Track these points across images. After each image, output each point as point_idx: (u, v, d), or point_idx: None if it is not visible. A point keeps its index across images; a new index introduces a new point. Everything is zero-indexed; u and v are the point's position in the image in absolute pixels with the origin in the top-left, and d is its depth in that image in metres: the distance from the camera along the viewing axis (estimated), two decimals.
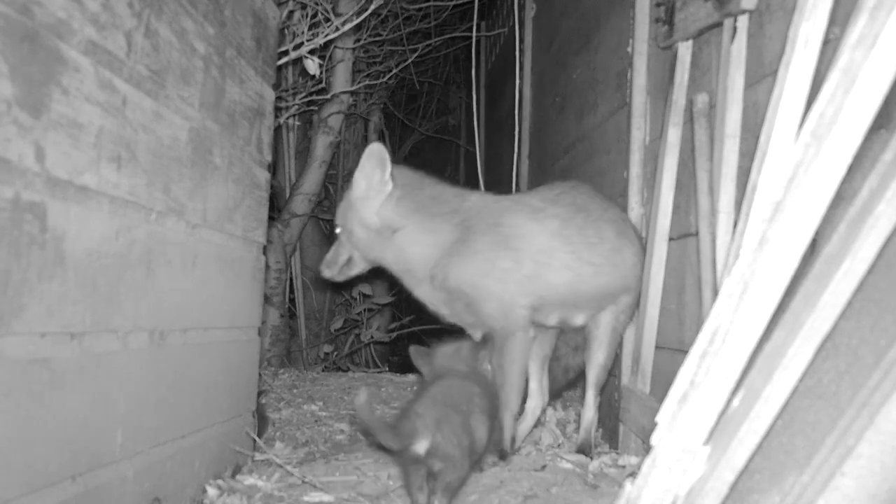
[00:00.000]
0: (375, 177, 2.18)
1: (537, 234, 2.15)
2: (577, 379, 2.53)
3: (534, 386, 2.52)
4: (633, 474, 1.07)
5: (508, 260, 2.11)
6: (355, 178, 2.22)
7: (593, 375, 2.30)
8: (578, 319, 2.30)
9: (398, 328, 5.03)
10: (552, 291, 2.15)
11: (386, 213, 2.18)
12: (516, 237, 2.14)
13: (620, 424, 2.32)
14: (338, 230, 2.31)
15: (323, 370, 4.55)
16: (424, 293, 2.24)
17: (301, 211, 4.33)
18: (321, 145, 4.37)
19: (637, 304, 2.30)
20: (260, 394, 2.46)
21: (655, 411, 1.03)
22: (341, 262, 2.31)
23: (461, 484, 1.72)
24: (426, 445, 1.60)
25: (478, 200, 2.26)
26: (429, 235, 2.16)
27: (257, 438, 2.02)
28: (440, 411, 1.68)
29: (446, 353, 2.02)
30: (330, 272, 2.33)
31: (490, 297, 2.11)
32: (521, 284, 2.12)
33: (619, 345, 2.40)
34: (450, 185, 2.36)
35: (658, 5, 2.25)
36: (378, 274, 2.43)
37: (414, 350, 2.04)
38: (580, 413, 2.75)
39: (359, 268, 2.34)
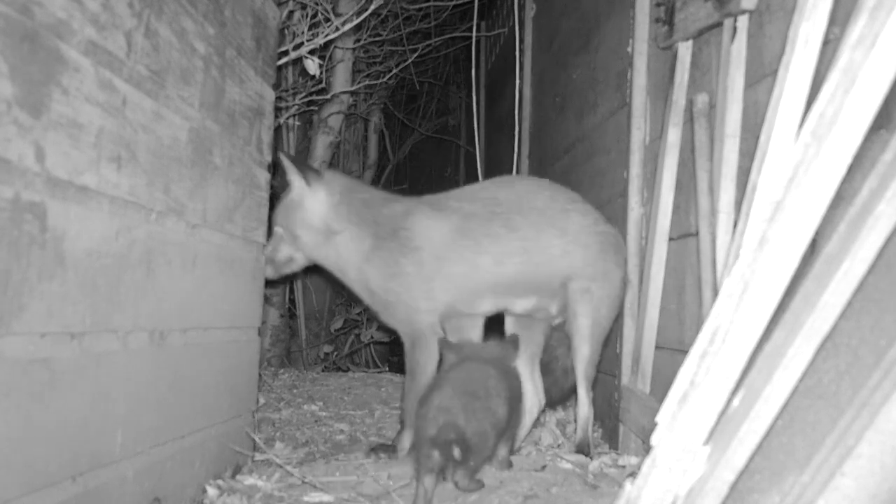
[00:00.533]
0: (297, 182, 2.28)
1: (435, 231, 2.25)
2: None
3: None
4: (633, 474, 1.07)
5: (411, 264, 2.22)
6: (290, 181, 2.31)
7: (580, 370, 2.32)
8: (517, 307, 2.37)
9: None
10: (454, 283, 2.24)
11: (328, 218, 2.28)
12: (415, 237, 2.24)
13: (620, 424, 2.32)
14: (278, 229, 2.34)
15: (323, 370, 4.55)
16: (359, 292, 2.35)
17: None
18: (321, 145, 4.37)
19: (620, 297, 2.34)
20: None
21: (655, 411, 1.03)
22: (280, 261, 2.35)
23: (483, 464, 1.80)
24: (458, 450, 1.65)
25: (394, 206, 2.36)
26: (354, 242, 2.27)
27: (257, 439, 2.02)
28: (462, 401, 1.71)
29: (474, 347, 2.05)
30: (268, 271, 2.33)
31: (398, 303, 2.23)
32: (425, 285, 2.22)
33: (620, 345, 2.40)
34: (384, 192, 2.47)
35: (658, 5, 2.25)
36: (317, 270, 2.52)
37: (441, 341, 2.09)
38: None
39: (298, 266, 2.40)
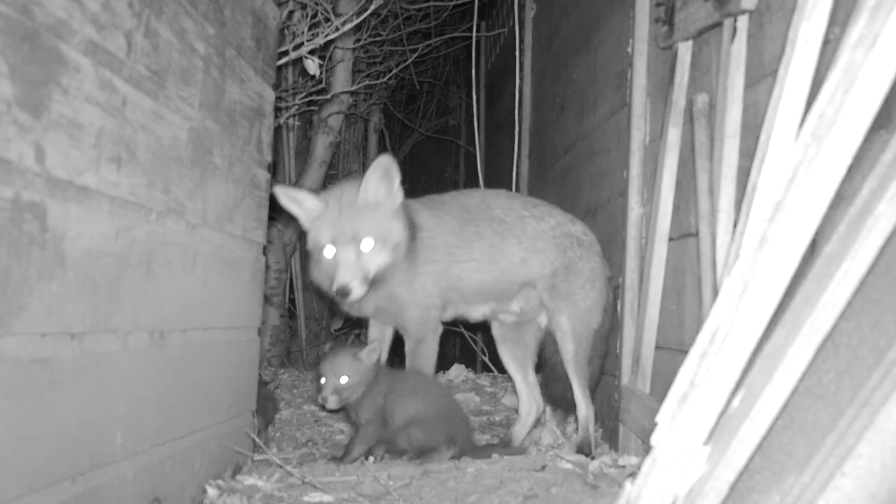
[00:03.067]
0: (390, 186, 2.23)
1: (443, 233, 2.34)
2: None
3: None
4: (633, 474, 1.07)
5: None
6: (373, 184, 2.21)
7: (570, 368, 2.39)
8: (476, 313, 2.48)
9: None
10: (458, 285, 2.36)
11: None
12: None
13: (620, 424, 2.32)
14: (368, 241, 2.19)
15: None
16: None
17: None
18: (321, 145, 4.37)
19: (599, 291, 2.42)
20: (269, 382, 2.51)
21: (655, 411, 1.03)
22: (375, 274, 2.23)
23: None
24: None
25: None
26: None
27: (257, 439, 2.02)
28: None
29: None
30: (362, 289, 2.20)
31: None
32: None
33: (620, 345, 2.40)
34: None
35: (658, 5, 2.25)
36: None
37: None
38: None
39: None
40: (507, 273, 2.36)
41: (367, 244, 2.19)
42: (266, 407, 2.34)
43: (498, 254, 2.35)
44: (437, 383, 2.37)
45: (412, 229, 2.26)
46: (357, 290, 2.17)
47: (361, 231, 2.18)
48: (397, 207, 2.23)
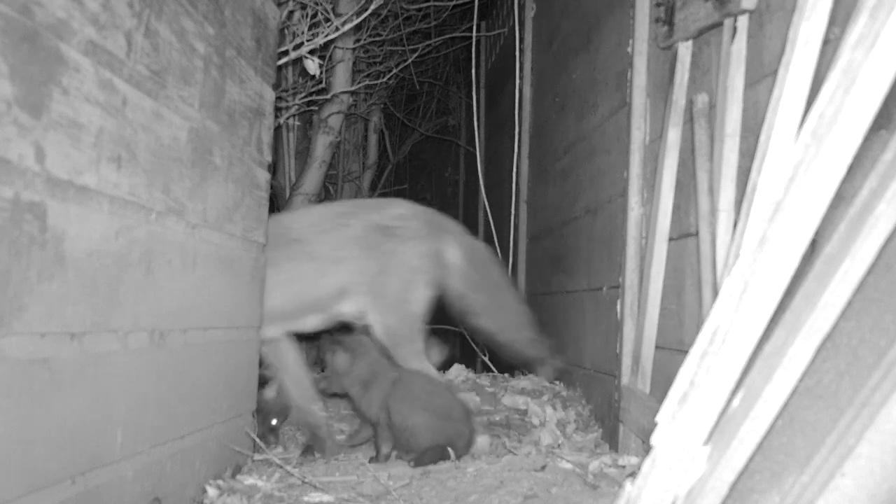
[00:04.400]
0: None
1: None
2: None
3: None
4: (633, 474, 1.07)
5: None
6: None
7: (391, 346, 2.48)
8: (306, 325, 2.54)
9: None
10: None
11: None
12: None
13: (620, 424, 2.32)
14: None
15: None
16: None
17: None
18: (321, 145, 4.37)
19: (412, 270, 2.46)
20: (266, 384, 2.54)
21: (655, 411, 1.03)
22: None
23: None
24: None
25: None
26: None
27: (257, 439, 2.02)
28: None
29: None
30: None
31: None
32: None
33: (620, 344, 2.40)
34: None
35: (658, 5, 2.25)
36: None
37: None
38: (579, 412, 2.76)
39: None
40: (305, 291, 2.43)
41: None
42: (272, 415, 2.43)
43: (291, 277, 2.39)
44: (436, 382, 2.35)
45: None
46: None
47: None
48: None
